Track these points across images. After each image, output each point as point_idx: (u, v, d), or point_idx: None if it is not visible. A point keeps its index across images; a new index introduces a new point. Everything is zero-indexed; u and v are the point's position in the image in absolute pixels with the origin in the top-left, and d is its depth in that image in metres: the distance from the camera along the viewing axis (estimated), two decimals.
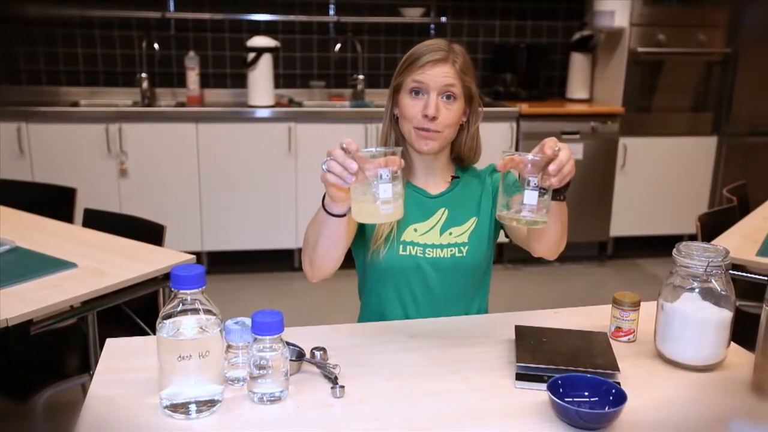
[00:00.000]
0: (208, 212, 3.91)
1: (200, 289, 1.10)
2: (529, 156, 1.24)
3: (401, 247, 1.54)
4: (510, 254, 4.34)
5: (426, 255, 1.55)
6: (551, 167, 1.23)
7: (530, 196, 1.20)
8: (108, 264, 1.81)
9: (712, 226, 2.33)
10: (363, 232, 1.56)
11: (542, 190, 1.22)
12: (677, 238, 2.54)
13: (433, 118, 1.49)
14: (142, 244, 1.98)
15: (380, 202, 1.17)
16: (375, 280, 1.59)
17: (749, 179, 3.15)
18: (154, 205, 3.82)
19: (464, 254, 1.57)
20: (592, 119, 4.13)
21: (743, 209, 2.69)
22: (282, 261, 4.14)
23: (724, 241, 2.16)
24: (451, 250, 1.57)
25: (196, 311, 1.11)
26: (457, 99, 1.52)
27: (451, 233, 1.58)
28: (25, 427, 1.70)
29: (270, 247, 4.04)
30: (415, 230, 1.56)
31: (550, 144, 1.25)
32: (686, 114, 4.36)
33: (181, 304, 1.10)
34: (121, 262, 1.82)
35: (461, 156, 1.63)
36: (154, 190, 3.84)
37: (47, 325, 1.63)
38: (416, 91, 1.51)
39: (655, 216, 4.41)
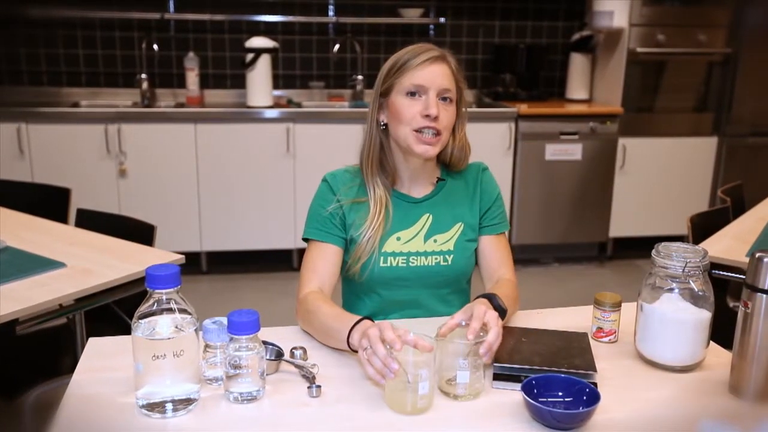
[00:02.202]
0: (207, 212, 3.92)
1: (175, 288, 1.11)
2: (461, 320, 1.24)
3: (382, 258, 1.51)
4: None
5: (410, 264, 1.52)
6: (481, 350, 1.19)
7: (462, 376, 1.18)
8: (97, 264, 1.82)
9: (705, 226, 2.32)
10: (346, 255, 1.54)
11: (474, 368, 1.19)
12: (677, 239, 2.52)
13: (435, 118, 1.43)
14: (132, 244, 1.99)
15: (418, 398, 1.13)
16: (355, 288, 1.57)
17: (750, 180, 3.14)
18: (152, 205, 3.84)
19: (449, 263, 1.54)
20: (591, 119, 4.12)
21: (738, 210, 2.68)
22: (280, 261, 4.15)
23: (714, 242, 2.15)
24: (436, 258, 1.53)
25: (172, 311, 1.12)
26: (453, 102, 1.49)
27: (435, 240, 1.54)
28: (14, 425, 1.71)
29: (268, 247, 4.05)
30: (398, 239, 1.52)
31: (477, 317, 1.21)
32: (686, 114, 4.35)
33: (156, 304, 1.11)
34: (110, 262, 1.83)
35: (449, 162, 1.58)
36: (153, 191, 3.85)
37: (34, 324, 1.64)
38: (413, 93, 1.45)
39: (654, 217, 4.40)
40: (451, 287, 1.58)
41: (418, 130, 1.45)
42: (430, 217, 1.55)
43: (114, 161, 3.78)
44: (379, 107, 1.52)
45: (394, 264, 1.52)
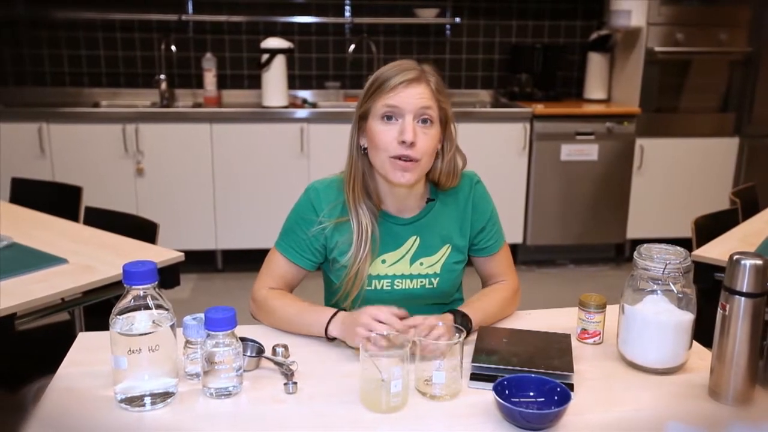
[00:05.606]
0: (222, 211, 3.97)
1: (152, 284, 1.13)
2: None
3: (367, 281, 1.47)
4: (524, 256, 4.31)
5: (395, 287, 1.49)
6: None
7: (438, 376, 1.20)
8: (98, 260, 1.85)
9: (712, 229, 2.29)
10: (329, 270, 1.56)
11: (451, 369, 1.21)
12: None
13: (411, 144, 1.35)
14: (134, 242, 2.03)
15: (391, 396, 1.15)
16: (339, 300, 1.53)
17: None
18: (168, 203, 3.90)
19: (435, 286, 1.51)
20: (607, 120, 4.08)
21: (751, 212, 2.63)
22: None
23: (718, 244, 2.12)
24: (422, 281, 1.50)
25: (149, 306, 1.14)
26: (434, 123, 1.40)
27: (422, 263, 1.50)
28: (16, 417, 1.75)
29: None
30: (384, 261, 1.48)
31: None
32: (706, 115, 4.28)
33: (133, 300, 1.13)
34: (111, 259, 1.87)
35: (438, 182, 1.50)
36: (170, 190, 3.91)
37: (33, 319, 1.68)
38: (388, 116, 1.38)
39: (673, 218, 4.33)
40: (436, 305, 1.56)
41: (394, 157, 1.38)
42: (418, 239, 1.49)
43: (131, 160, 3.84)
44: (359, 131, 1.45)
45: (379, 287, 1.49)
